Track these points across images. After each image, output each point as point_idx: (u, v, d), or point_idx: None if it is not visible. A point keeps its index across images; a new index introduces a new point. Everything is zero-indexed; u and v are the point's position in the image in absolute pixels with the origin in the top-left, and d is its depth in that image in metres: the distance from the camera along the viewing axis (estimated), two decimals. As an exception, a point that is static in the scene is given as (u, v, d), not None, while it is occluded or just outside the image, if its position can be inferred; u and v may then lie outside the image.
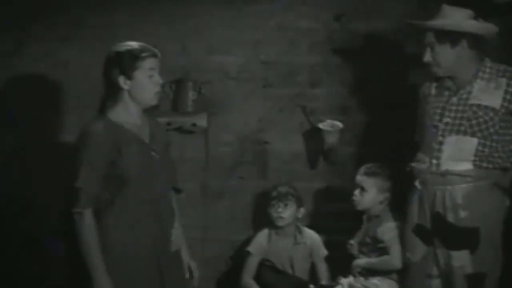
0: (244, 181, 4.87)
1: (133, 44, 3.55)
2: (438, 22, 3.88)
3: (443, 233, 3.91)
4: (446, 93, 3.99)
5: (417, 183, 4.00)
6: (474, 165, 3.86)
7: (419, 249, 4.01)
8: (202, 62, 4.77)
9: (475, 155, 3.86)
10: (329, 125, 4.72)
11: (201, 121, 4.69)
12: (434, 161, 3.92)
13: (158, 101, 3.64)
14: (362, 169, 4.43)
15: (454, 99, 3.94)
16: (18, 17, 4.67)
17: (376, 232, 4.33)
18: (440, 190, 3.90)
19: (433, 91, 4.05)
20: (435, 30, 3.87)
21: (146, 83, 3.52)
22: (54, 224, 4.56)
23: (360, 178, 4.41)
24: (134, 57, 3.50)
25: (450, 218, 3.88)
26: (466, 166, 3.86)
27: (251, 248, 4.67)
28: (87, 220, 3.41)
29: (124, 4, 4.73)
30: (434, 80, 4.06)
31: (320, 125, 4.73)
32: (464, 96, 3.92)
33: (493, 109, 3.85)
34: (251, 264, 4.65)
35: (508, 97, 3.85)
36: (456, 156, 3.87)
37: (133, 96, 3.53)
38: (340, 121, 4.73)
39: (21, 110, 4.70)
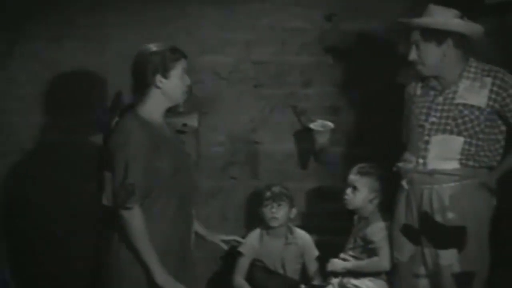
0: (235, 181, 4.86)
1: (165, 45, 3.61)
2: (424, 20, 3.89)
3: (431, 232, 3.91)
4: (432, 92, 3.99)
5: (404, 183, 4.00)
6: (461, 164, 3.87)
7: (407, 249, 4.01)
8: (193, 62, 4.73)
9: (462, 154, 3.86)
10: (320, 125, 4.71)
11: (192, 121, 4.66)
12: (421, 161, 3.92)
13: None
14: (355, 169, 4.42)
15: (440, 99, 3.94)
16: (10, 17, 4.68)
17: (366, 232, 4.32)
18: (427, 189, 3.90)
19: (418, 91, 4.05)
20: (421, 29, 3.87)
21: (179, 82, 3.58)
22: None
23: (353, 177, 4.41)
24: (171, 57, 3.56)
25: (438, 219, 3.88)
26: (452, 165, 3.87)
27: (242, 248, 4.65)
28: (138, 215, 3.41)
29: (115, 4, 4.72)
30: (419, 80, 4.06)
31: (311, 125, 4.72)
32: (450, 95, 3.92)
33: (478, 108, 3.85)
34: (243, 265, 4.64)
35: (493, 96, 3.85)
36: (442, 155, 3.88)
37: (165, 94, 3.58)
38: (331, 121, 4.71)
39: (17, 110, 4.71)
